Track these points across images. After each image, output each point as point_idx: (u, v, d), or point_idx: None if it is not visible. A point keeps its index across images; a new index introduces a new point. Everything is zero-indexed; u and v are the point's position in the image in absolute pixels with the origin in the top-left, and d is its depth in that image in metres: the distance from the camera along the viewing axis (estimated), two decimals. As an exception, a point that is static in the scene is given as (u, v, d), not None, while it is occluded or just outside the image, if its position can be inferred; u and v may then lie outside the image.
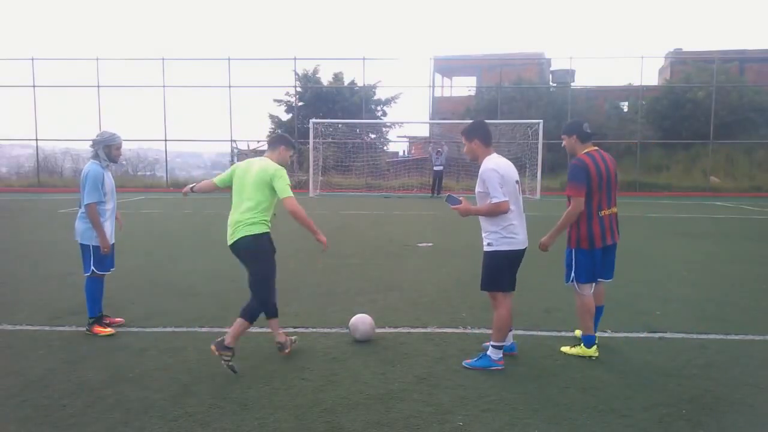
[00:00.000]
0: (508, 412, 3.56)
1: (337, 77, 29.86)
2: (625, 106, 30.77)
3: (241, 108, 30.05)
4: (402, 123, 31.95)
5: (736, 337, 5.02)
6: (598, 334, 4.86)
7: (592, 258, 4.46)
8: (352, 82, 29.39)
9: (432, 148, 22.90)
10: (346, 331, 5.01)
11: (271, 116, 30.12)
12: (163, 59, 25.77)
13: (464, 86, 38.68)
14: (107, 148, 5.11)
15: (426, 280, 7.25)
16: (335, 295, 6.46)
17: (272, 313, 4.54)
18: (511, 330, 4.51)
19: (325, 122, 25.65)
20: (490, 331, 4.88)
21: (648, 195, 23.16)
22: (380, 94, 30.19)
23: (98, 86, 25.77)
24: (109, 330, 5.06)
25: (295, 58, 27.09)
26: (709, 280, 7.39)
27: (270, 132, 30.20)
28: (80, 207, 5.10)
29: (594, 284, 4.55)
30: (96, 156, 5.09)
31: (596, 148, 4.56)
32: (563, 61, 29.16)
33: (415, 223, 13.39)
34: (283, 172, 4.41)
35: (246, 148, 27.60)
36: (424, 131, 32.53)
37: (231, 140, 26.91)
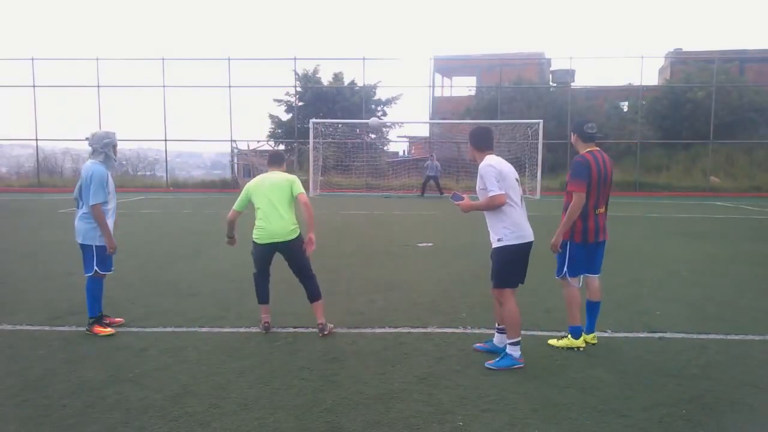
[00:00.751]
0: (508, 412, 3.56)
1: (337, 77, 29.87)
2: (625, 106, 30.77)
3: (241, 108, 30.11)
4: (402, 123, 31.98)
5: (736, 337, 5.02)
6: (597, 333, 4.87)
7: (585, 252, 4.64)
8: (352, 82, 29.40)
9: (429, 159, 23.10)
10: (346, 330, 5.00)
11: (271, 116, 30.16)
12: (163, 59, 25.80)
13: (464, 86, 38.74)
14: (114, 148, 5.14)
15: (426, 280, 7.25)
16: (335, 295, 6.46)
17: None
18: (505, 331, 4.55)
19: (325, 122, 25.65)
20: (490, 331, 4.90)
21: (648, 195, 23.16)
22: (380, 95, 30.23)
23: (98, 86, 25.79)
24: (109, 330, 5.05)
25: (295, 58, 27.12)
26: (709, 280, 7.39)
27: (270, 132, 30.22)
28: (80, 207, 5.09)
29: (581, 277, 4.73)
30: (99, 156, 5.06)
31: (598, 148, 4.69)
32: (563, 61, 29.21)
33: (415, 223, 13.39)
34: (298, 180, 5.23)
35: (246, 148, 27.63)
36: (424, 131, 32.55)
37: (231, 140, 26.93)
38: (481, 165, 4.32)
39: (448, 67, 36.28)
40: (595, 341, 4.76)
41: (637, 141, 26.00)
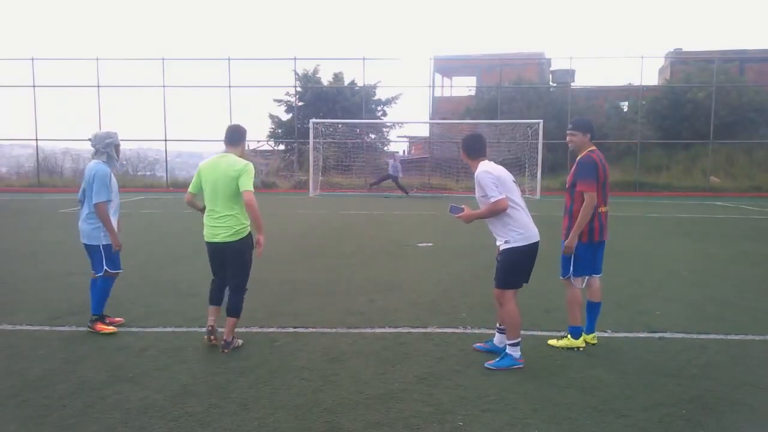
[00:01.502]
0: (508, 412, 3.56)
1: (337, 77, 29.85)
2: (625, 106, 30.75)
3: (241, 108, 29.95)
4: (402, 123, 31.97)
5: (736, 337, 5.03)
6: (597, 333, 4.87)
7: (591, 251, 4.66)
8: (353, 82, 29.38)
9: (392, 159, 23.16)
10: (346, 330, 5.00)
11: (271, 116, 30.11)
12: (163, 59, 25.78)
13: (464, 86, 38.69)
14: (116, 148, 5.15)
15: (426, 280, 7.25)
16: (335, 295, 6.46)
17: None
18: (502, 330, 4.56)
19: (325, 122, 25.64)
20: (490, 331, 4.90)
21: (648, 195, 23.15)
22: (380, 94, 30.20)
23: (98, 86, 25.76)
24: (111, 328, 5.06)
25: (295, 58, 27.11)
26: (709, 280, 7.39)
27: (270, 132, 30.18)
28: (83, 207, 5.08)
29: (585, 278, 4.72)
30: (101, 156, 5.06)
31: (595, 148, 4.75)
32: (563, 61, 29.18)
33: (415, 223, 13.39)
34: (251, 167, 4.60)
35: (246, 148, 27.58)
36: (424, 131, 32.54)
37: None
38: (478, 173, 4.33)
39: (448, 67, 36.26)
40: (595, 341, 4.77)
41: (637, 141, 25.99)
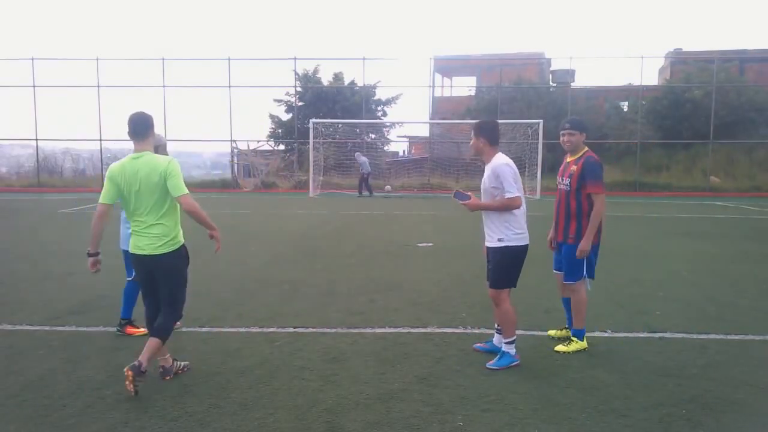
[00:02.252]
0: (508, 412, 3.56)
1: (337, 77, 29.84)
2: (625, 106, 30.75)
3: (241, 108, 30.05)
4: (402, 123, 31.97)
5: (736, 337, 5.02)
6: (597, 333, 4.87)
7: (598, 251, 4.68)
8: (352, 82, 29.38)
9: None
10: (346, 330, 4.99)
11: (272, 116, 30.11)
12: (163, 59, 25.79)
13: (464, 86, 38.68)
14: (164, 149, 4.91)
15: (426, 280, 7.25)
16: (335, 295, 6.46)
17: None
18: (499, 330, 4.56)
19: (325, 122, 25.64)
20: (490, 331, 4.90)
21: (648, 195, 23.15)
22: (380, 94, 30.20)
23: (98, 86, 25.76)
24: (142, 330, 4.96)
25: (295, 58, 27.11)
26: (709, 280, 7.39)
27: (270, 132, 30.16)
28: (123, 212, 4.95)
29: (588, 280, 4.73)
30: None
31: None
32: (563, 61, 29.17)
33: (415, 223, 13.39)
34: (176, 164, 3.88)
35: (246, 148, 27.61)
36: (424, 131, 32.53)
37: (231, 140, 26.92)
38: (497, 163, 4.23)
39: (448, 67, 36.26)
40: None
41: (637, 141, 25.99)
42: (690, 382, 4.02)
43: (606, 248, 4.83)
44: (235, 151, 27.54)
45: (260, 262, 8.22)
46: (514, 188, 4.14)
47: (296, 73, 28.17)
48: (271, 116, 30.16)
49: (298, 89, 28.67)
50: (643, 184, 24.69)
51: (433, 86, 31.00)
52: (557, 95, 28.44)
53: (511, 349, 4.31)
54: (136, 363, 3.71)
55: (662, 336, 5.03)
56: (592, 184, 4.51)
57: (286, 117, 29.79)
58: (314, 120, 23.82)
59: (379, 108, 30.58)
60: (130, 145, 3.99)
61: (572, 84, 28.20)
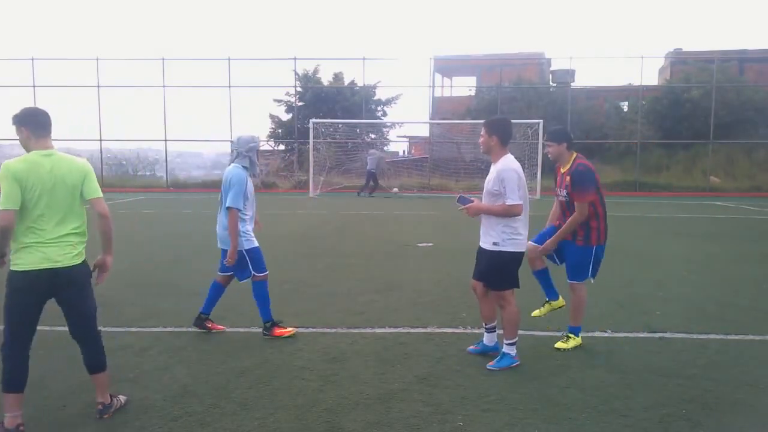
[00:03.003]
0: (508, 412, 3.56)
1: (337, 77, 29.85)
2: (625, 106, 30.75)
3: (241, 108, 29.95)
4: (402, 123, 31.98)
5: (736, 337, 5.03)
6: (597, 334, 4.87)
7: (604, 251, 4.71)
8: (352, 82, 29.39)
9: (368, 153, 23.02)
10: (346, 330, 4.99)
11: (272, 116, 30.11)
12: (163, 59, 25.79)
13: (464, 86, 38.66)
14: (258, 153, 4.96)
15: (426, 280, 7.25)
16: (335, 295, 6.46)
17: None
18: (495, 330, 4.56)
19: (325, 122, 25.64)
20: (490, 331, 4.90)
21: (648, 195, 23.16)
22: (380, 95, 30.20)
23: (98, 86, 25.77)
24: (289, 330, 4.95)
25: (295, 58, 27.12)
26: (709, 280, 7.39)
27: (270, 132, 30.16)
28: (220, 213, 4.94)
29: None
30: (243, 160, 4.89)
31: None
32: (563, 61, 29.17)
33: (415, 223, 13.39)
34: (91, 166, 3.54)
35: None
36: (424, 131, 32.52)
37: (231, 140, 26.85)
38: (503, 167, 4.17)
39: (448, 67, 36.24)
40: (564, 303, 4.87)
41: (637, 141, 26.00)
42: (690, 382, 4.02)
43: (606, 248, 4.82)
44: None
45: (260, 262, 8.21)
46: (516, 195, 4.09)
47: (296, 73, 28.19)
48: (271, 116, 30.17)
49: (298, 89, 28.67)
50: (643, 184, 24.70)
51: (433, 86, 31.00)
52: (557, 95, 28.43)
53: (512, 350, 4.31)
54: (99, 407, 3.46)
55: (662, 336, 5.04)
56: (576, 194, 4.52)
57: (286, 117, 29.79)
58: (314, 120, 23.83)
59: (379, 108, 30.58)
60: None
61: (572, 84, 28.20)
